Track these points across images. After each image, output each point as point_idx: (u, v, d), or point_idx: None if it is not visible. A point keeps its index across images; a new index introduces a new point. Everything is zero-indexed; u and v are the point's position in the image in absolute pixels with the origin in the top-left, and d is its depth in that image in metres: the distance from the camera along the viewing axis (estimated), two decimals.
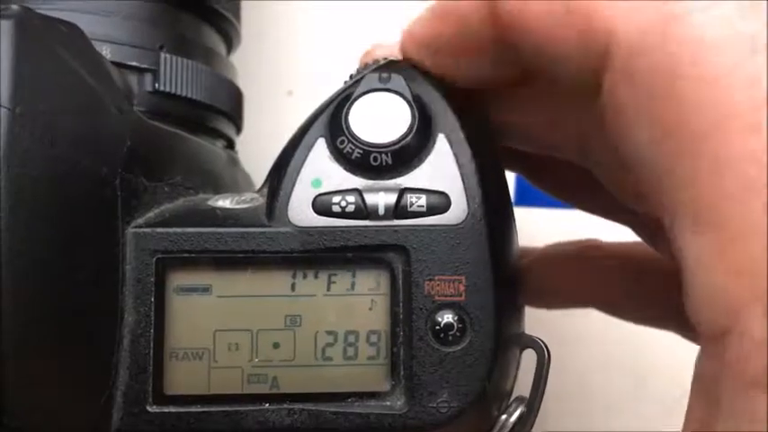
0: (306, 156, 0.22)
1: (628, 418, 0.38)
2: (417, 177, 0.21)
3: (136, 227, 0.21)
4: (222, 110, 0.28)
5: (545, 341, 0.22)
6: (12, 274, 0.18)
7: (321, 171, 0.22)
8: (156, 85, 0.25)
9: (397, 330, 0.21)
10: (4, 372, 0.18)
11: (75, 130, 0.20)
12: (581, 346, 0.38)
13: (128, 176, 0.21)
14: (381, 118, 0.22)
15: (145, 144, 0.22)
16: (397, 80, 0.22)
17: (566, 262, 0.30)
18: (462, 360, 0.21)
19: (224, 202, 0.23)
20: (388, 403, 0.21)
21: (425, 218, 0.21)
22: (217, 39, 0.30)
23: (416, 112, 0.21)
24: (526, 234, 0.25)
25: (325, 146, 0.22)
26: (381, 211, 0.21)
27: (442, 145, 0.22)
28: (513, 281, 0.22)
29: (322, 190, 0.22)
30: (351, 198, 0.21)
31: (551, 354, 0.21)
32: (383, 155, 0.21)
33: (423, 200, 0.21)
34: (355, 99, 0.22)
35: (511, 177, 0.27)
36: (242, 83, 0.31)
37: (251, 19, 0.33)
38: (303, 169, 0.22)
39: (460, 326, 0.21)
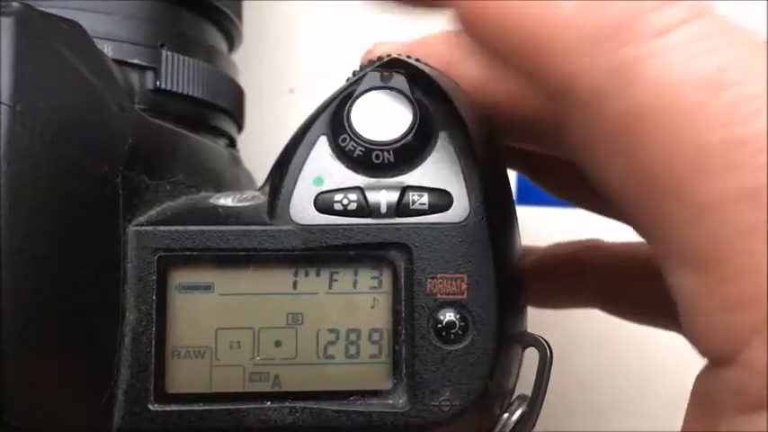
0: (308, 154, 0.22)
1: (633, 418, 0.38)
2: (419, 175, 0.21)
3: (137, 225, 0.21)
4: (224, 108, 0.28)
5: (549, 340, 0.21)
6: (12, 272, 0.18)
7: (323, 169, 0.22)
8: (158, 82, 0.25)
9: (399, 329, 0.21)
10: (4, 371, 0.18)
11: (76, 127, 0.20)
12: (586, 345, 0.38)
13: (129, 174, 0.21)
14: (383, 116, 0.21)
15: (146, 142, 0.22)
16: (399, 78, 0.22)
17: (567, 262, 0.30)
18: (464, 358, 0.21)
19: (226, 201, 0.23)
20: (390, 402, 0.21)
21: (427, 216, 0.21)
22: (218, 36, 0.29)
23: (418, 110, 0.21)
24: (528, 233, 0.25)
25: (327, 144, 0.22)
26: (383, 209, 0.21)
27: (443, 143, 0.22)
28: (515, 279, 0.22)
29: (324, 188, 0.21)
30: (353, 196, 0.21)
31: (555, 353, 0.21)
32: (385, 153, 0.21)
33: (425, 198, 0.21)
34: (357, 97, 0.22)
35: (512, 177, 0.27)
36: (243, 81, 0.31)
37: (252, 18, 0.33)
38: (305, 167, 0.22)
39: (462, 324, 0.21)
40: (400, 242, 0.21)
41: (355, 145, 0.21)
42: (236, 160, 0.29)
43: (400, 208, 0.21)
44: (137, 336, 0.21)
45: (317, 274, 0.21)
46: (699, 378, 0.17)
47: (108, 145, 0.21)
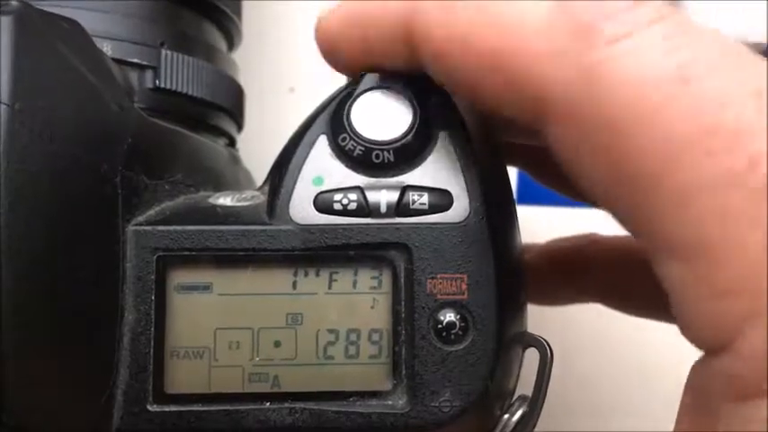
0: (307, 153, 0.22)
1: (633, 418, 0.38)
2: (419, 175, 0.21)
3: (136, 225, 0.21)
4: (223, 107, 0.28)
5: (548, 340, 0.21)
6: (11, 272, 0.18)
7: (323, 168, 0.22)
8: (157, 82, 0.25)
9: (399, 329, 0.21)
10: (4, 371, 0.18)
11: (76, 126, 0.20)
12: (586, 345, 0.38)
13: (128, 174, 0.21)
14: (383, 115, 0.21)
15: (146, 141, 0.22)
16: (399, 78, 0.22)
17: (566, 257, 0.30)
18: (464, 359, 0.21)
19: (225, 200, 0.23)
20: (390, 402, 0.21)
21: (427, 216, 0.21)
22: (218, 36, 0.29)
23: (418, 110, 0.21)
24: (528, 232, 0.25)
25: (327, 143, 0.22)
26: (383, 209, 0.21)
27: (443, 143, 0.22)
28: (516, 279, 0.22)
29: (324, 188, 0.21)
30: (353, 196, 0.21)
31: (554, 353, 0.21)
32: (385, 152, 0.21)
33: (425, 198, 0.21)
34: (357, 96, 0.22)
35: (513, 176, 0.27)
36: (243, 80, 0.31)
37: (252, 18, 0.33)
38: (305, 167, 0.22)
39: (463, 324, 0.21)
40: (400, 242, 0.21)
41: (355, 144, 0.21)
42: (236, 160, 0.29)
43: (400, 208, 0.21)
44: (135, 336, 0.21)
45: (317, 275, 0.21)
46: (693, 369, 0.17)
47: (107, 144, 0.21)
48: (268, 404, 0.21)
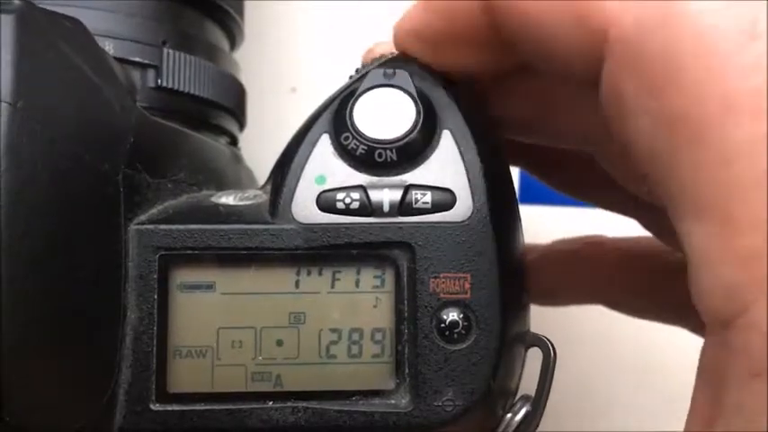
0: (310, 152, 0.22)
1: (633, 417, 0.38)
2: (422, 174, 0.21)
3: (138, 224, 0.21)
4: (225, 106, 0.28)
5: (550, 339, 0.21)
6: (11, 271, 0.18)
7: (325, 167, 0.22)
8: (159, 81, 0.25)
9: (402, 328, 0.21)
10: (4, 371, 0.18)
11: (77, 125, 0.20)
12: (584, 344, 0.38)
13: (130, 173, 0.21)
14: (386, 114, 0.21)
15: (148, 140, 0.22)
16: (402, 76, 0.22)
17: (569, 258, 0.30)
18: (467, 358, 0.21)
19: (227, 199, 0.23)
20: (393, 401, 0.21)
21: (430, 215, 0.21)
22: (220, 35, 0.29)
23: (421, 108, 0.21)
24: (530, 232, 0.25)
25: (330, 142, 0.22)
26: (386, 208, 0.21)
27: (447, 141, 0.21)
28: (519, 278, 0.22)
29: (326, 186, 0.21)
30: (355, 195, 0.21)
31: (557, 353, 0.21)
32: (388, 151, 0.21)
33: (428, 196, 0.21)
34: (360, 95, 0.22)
35: (515, 176, 0.27)
36: (245, 79, 0.31)
37: (253, 18, 0.33)
38: (307, 166, 0.22)
39: (466, 324, 0.21)
40: (403, 241, 0.21)
41: (358, 143, 0.21)
42: (238, 159, 0.29)
43: (403, 207, 0.21)
44: (138, 335, 0.21)
45: (320, 274, 0.21)
46: (703, 349, 0.17)
47: (109, 143, 0.21)
48: (271, 403, 0.21)
